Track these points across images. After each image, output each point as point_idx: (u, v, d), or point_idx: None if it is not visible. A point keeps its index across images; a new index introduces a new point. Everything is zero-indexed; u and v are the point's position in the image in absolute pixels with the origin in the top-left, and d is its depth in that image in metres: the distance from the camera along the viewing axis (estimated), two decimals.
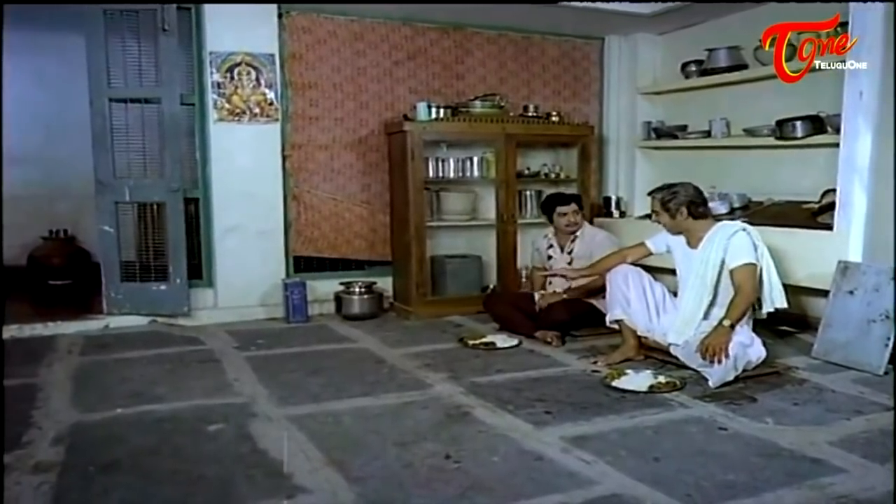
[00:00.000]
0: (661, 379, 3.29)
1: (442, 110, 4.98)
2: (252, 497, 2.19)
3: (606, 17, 5.17)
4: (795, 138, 4.46)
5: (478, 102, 5.15)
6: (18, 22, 4.99)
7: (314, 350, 4.11)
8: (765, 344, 3.44)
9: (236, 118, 4.81)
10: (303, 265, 5.18)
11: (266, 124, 4.89)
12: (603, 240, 4.43)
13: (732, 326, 3.28)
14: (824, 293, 3.90)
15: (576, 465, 2.39)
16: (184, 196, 4.68)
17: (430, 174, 5.08)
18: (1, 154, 4.31)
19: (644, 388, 3.20)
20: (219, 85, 4.75)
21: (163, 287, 4.68)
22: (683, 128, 5.45)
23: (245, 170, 4.84)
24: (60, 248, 5.90)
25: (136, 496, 2.22)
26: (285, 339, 4.38)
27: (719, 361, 3.21)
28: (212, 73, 4.73)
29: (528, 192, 5.44)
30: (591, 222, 4.96)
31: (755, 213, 4.61)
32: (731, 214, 4.62)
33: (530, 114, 5.32)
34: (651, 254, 3.83)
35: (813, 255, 4.03)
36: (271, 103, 4.88)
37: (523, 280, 5.17)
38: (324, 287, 5.14)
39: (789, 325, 4.35)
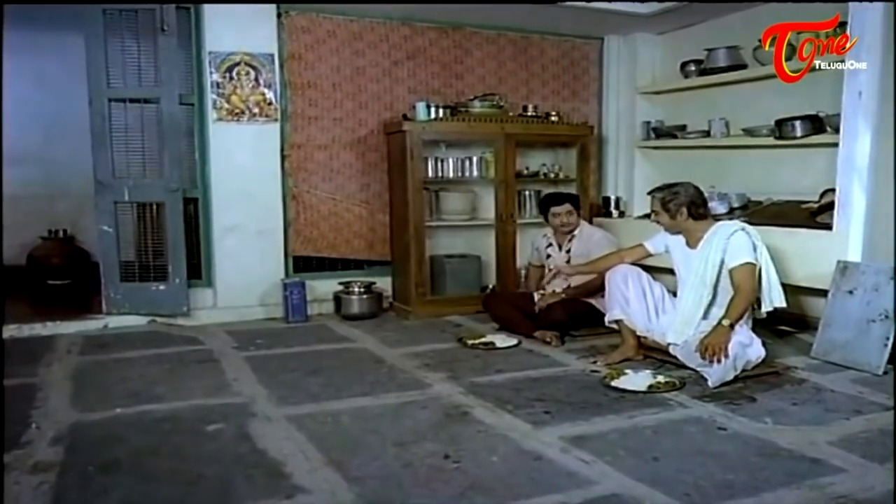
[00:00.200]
0: (661, 379, 3.29)
1: (441, 110, 4.98)
2: (251, 497, 2.19)
3: (606, 17, 5.17)
4: (795, 138, 4.45)
5: (477, 102, 5.15)
6: (18, 22, 4.99)
7: (313, 350, 4.11)
8: (764, 344, 3.44)
9: (235, 118, 4.80)
10: (302, 265, 5.18)
11: (265, 124, 4.89)
12: (600, 239, 4.44)
13: (732, 326, 3.28)
14: (823, 293, 3.90)
15: (575, 465, 2.39)
16: (183, 196, 4.68)
17: (430, 174, 5.08)
18: (1, 154, 4.31)
19: (643, 388, 3.20)
20: (218, 85, 4.75)
21: (162, 287, 4.68)
22: (683, 128, 5.45)
23: (244, 169, 4.84)
24: (60, 247, 5.89)
25: (135, 496, 2.22)
26: (284, 338, 4.37)
27: (718, 361, 3.21)
28: (211, 72, 4.73)
29: (527, 192, 5.44)
30: (590, 222, 4.97)
31: (754, 212, 4.61)
32: (731, 214, 4.62)
33: (529, 113, 5.31)
34: (650, 255, 3.83)
35: (812, 255, 4.03)
36: (270, 103, 4.88)
37: (522, 280, 5.17)
38: (323, 287, 5.14)
39: (788, 324, 4.35)
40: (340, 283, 5.09)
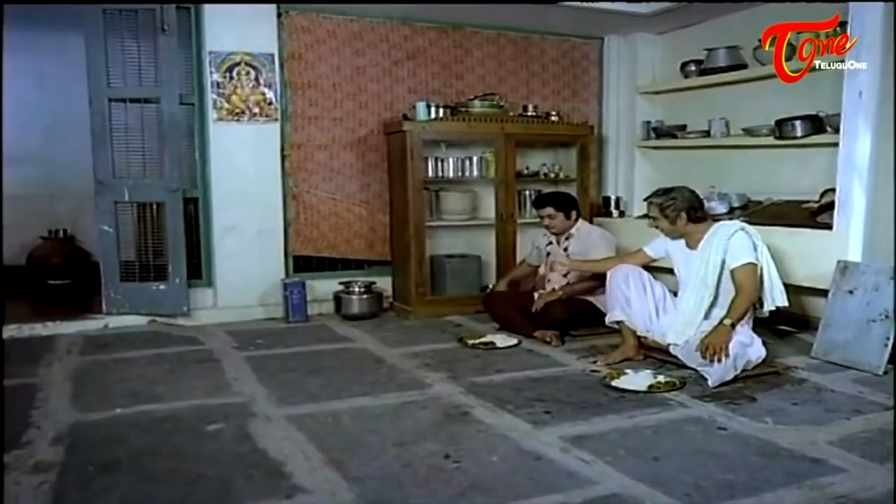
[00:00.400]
0: (661, 379, 3.29)
1: (441, 110, 4.98)
2: (251, 497, 2.19)
3: (605, 17, 5.17)
4: (795, 138, 4.45)
5: (477, 102, 5.14)
6: (18, 22, 4.97)
7: (313, 350, 4.11)
8: (764, 343, 3.45)
9: (236, 118, 4.80)
10: (302, 265, 5.18)
11: (265, 124, 4.89)
12: (598, 238, 4.42)
13: (733, 326, 3.28)
14: (824, 293, 3.90)
15: (575, 465, 2.39)
16: (183, 196, 4.68)
17: (430, 174, 5.08)
18: (1, 154, 4.31)
19: (643, 388, 3.20)
20: (218, 85, 4.75)
21: (162, 287, 4.68)
22: (683, 127, 5.45)
23: (244, 169, 4.84)
24: (60, 247, 5.88)
25: (135, 496, 2.22)
26: (285, 338, 4.37)
27: (719, 360, 3.21)
28: (211, 72, 4.73)
29: (527, 192, 5.43)
30: (590, 222, 4.96)
31: (754, 212, 4.61)
32: (731, 214, 4.62)
33: (529, 113, 5.31)
34: (652, 261, 3.83)
35: (812, 255, 4.03)
36: (270, 103, 4.88)
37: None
38: (323, 287, 5.14)
39: (789, 324, 4.35)
40: (340, 283, 5.09)
